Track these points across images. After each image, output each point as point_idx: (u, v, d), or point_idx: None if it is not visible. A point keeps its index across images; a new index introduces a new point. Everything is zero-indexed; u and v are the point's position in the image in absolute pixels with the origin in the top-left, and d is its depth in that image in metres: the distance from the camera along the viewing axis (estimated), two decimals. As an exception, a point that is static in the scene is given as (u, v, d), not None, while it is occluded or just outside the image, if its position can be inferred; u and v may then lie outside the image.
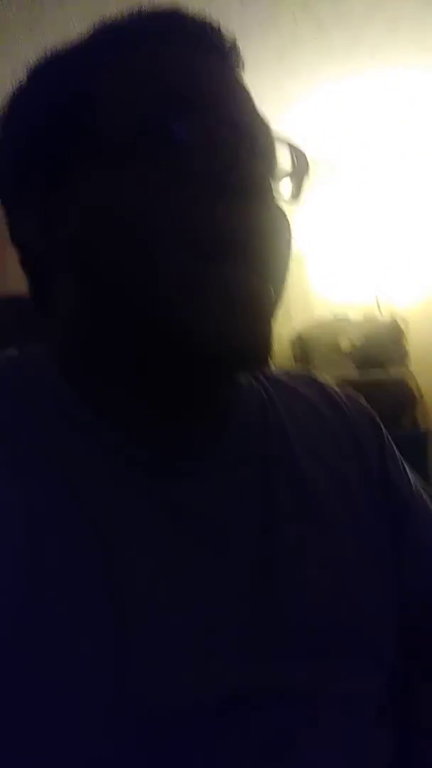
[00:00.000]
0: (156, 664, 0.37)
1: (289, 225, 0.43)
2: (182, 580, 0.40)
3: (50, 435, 0.41)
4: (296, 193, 0.44)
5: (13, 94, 0.45)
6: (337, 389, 0.55)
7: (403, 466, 0.54)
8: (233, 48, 0.45)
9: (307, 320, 2.43)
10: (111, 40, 0.44)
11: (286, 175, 0.43)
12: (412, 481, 0.53)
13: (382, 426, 0.54)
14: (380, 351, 2.45)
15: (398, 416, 2.40)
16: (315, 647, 0.42)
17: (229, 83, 0.43)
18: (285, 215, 0.42)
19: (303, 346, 2.38)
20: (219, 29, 0.44)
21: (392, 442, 0.54)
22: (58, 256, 0.43)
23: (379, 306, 2.59)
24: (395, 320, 2.52)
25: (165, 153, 0.39)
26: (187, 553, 0.41)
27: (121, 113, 0.41)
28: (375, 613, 0.46)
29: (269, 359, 0.42)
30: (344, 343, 2.47)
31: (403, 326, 2.54)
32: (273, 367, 0.56)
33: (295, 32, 1.92)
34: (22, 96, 0.45)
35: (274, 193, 0.43)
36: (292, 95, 2.18)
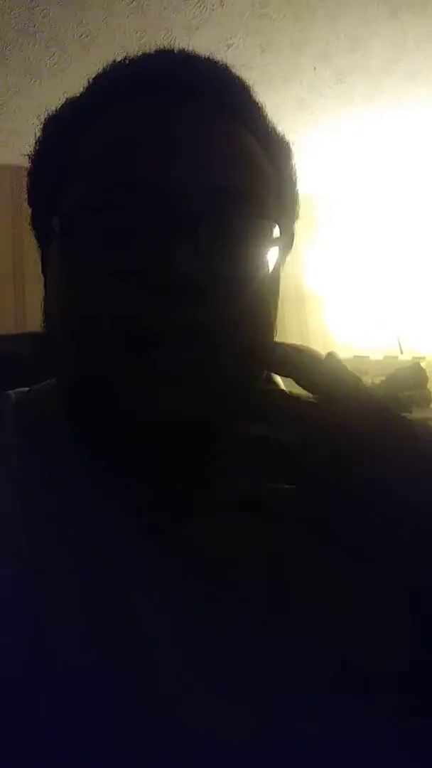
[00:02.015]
0: (168, 710, 0.36)
1: (245, 296, 0.40)
2: (195, 623, 0.39)
3: (56, 477, 0.41)
4: (286, 241, 0.43)
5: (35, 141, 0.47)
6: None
7: None
8: (219, 91, 0.42)
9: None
10: (81, 103, 0.45)
11: (273, 223, 0.41)
12: None
13: None
14: (402, 392, 2.43)
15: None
16: (331, 689, 0.40)
17: (198, 142, 0.40)
18: (238, 290, 0.40)
19: (323, 386, 2.36)
20: (203, 72, 0.43)
21: None
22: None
23: (401, 347, 2.58)
24: (417, 363, 2.50)
25: (92, 242, 0.39)
26: (199, 596, 0.40)
27: (75, 189, 0.41)
28: (393, 649, 0.43)
29: (217, 429, 0.40)
30: (365, 383, 2.45)
31: (427, 369, 2.52)
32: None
33: (315, 82, 1.98)
34: (36, 145, 0.47)
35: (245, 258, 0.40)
36: (312, 141, 2.23)
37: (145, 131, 0.40)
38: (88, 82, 0.45)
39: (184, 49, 0.44)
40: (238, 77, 0.44)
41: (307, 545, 0.44)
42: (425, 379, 2.50)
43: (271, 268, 0.42)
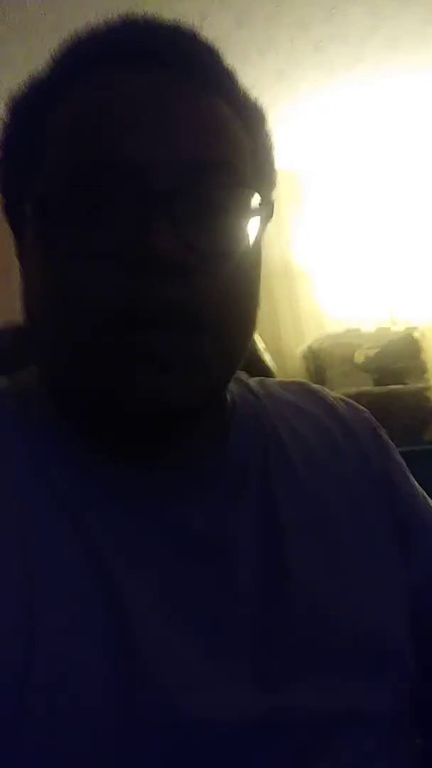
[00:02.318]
0: (165, 689, 0.36)
1: (222, 275, 0.39)
2: (189, 602, 0.39)
3: (47, 468, 0.41)
4: (267, 211, 0.41)
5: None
6: (336, 399, 0.55)
7: (406, 474, 0.53)
8: (187, 58, 0.40)
9: (319, 335, 2.42)
10: (45, 80, 0.43)
11: (252, 192, 0.40)
12: (417, 491, 0.53)
13: (384, 435, 0.54)
14: (396, 363, 2.43)
15: (418, 429, 2.37)
16: (330, 666, 0.41)
17: (168, 113, 0.39)
18: (214, 267, 0.38)
19: (316, 360, 2.37)
20: (170, 38, 0.41)
21: (395, 451, 0.54)
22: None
23: (393, 318, 2.57)
24: (410, 333, 2.50)
25: (68, 225, 0.38)
26: (192, 576, 0.40)
27: (46, 171, 0.40)
28: (388, 624, 0.44)
29: (193, 410, 0.40)
30: (358, 356, 2.45)
31: (420, 339, 2.52)
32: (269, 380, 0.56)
33: (293, 53, 1.95)
34: (3, 129, 0.45)
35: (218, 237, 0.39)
36: (293, 113, 2.20)
37: (113, 105, 0.39)
38: (51, 58, 0.43)
39: (148, 16, 0.42)
40: (206, 42, 0.43)
41: (303, 520, 0.45)
42: (419, 350, 2.50)
43: (252, 239, 0.41)
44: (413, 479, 0.53)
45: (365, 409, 0.55)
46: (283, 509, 0.45)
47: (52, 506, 0.40)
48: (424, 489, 0.54)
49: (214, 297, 0.38)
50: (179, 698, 0.36)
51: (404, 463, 0.54)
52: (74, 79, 0.41)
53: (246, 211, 0.40)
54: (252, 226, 0.41)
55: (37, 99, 0.43)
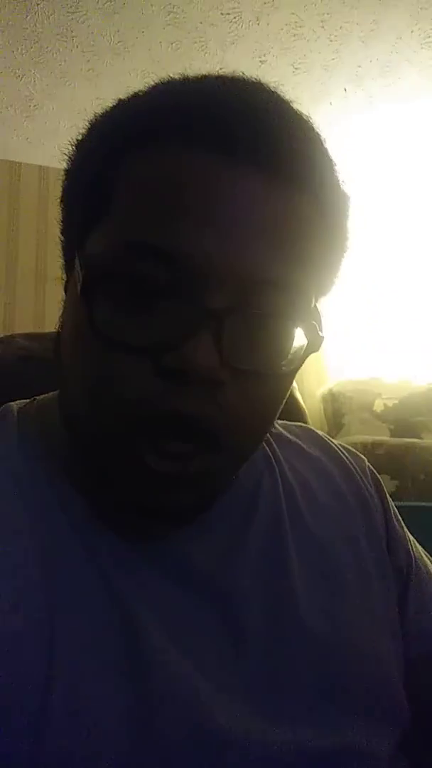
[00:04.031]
0: (176, 722, 0.37)
1: (260, 395, 0.38)
2: (195, 639, 0.40)
3: (61, 493, 0.42)
4: (295, 366, 0.39)
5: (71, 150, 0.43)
6: (340, 447, 0.55)
7: (401, 521, 0.54)
8: (279, 154, 0.36)
9: (341, 378, 2.42)
10: (132, 131, 0.38)
11: (308, 326, 0.38)
12: (411, 540, 0.53)
13: (382, 483, 0.54)
14: (414, 417, 2.41)
15: (430, 484, 2.33)
16: (333, 706, 0.42)
17: (248, 219, 0.36)
18: (247, 387, 0.37)
19: (334, 403, 2.36)
20: (261, 131, 0.36)
21: (390, 499, 0.54)
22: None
23: (415, 373, 2.56)
24: (431, 388, 2.49)
25: (114, 304, 0.36)
26: (197, 614, 0.41)
27: (105, 228, 0.38)
28: (389, 670, 0.45)
29: (192, 516, 0.42)
30: (377, 405, 2.44)
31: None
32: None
33: (346, 103, 1.99)
34: (75, 152, 0.43)
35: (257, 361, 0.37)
36: (338, 160, 2.23)
37: (197, 193, 0.36)
38: (148, 95, 0.40)
39: (245, 99, 0.38)
40: (304, 131, 0.40)
41: (310, 564, 0.46)
42: (438, 404, 2.49)
43: (293, 366, 0.39)
44: (403, 524, 0.54)
45: (369, 465, 0.55)
46: (292, 553, 0.45)
47: (67, 529, 0.41)
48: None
49: (240, 416, 0.37)
50: (186, 732, 0.37)
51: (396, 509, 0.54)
52: (161, 139, 0.37)
53: (293, 341, 0.39)
54: (296, 355, 0.39)
55: (119, 134, 0.39)
